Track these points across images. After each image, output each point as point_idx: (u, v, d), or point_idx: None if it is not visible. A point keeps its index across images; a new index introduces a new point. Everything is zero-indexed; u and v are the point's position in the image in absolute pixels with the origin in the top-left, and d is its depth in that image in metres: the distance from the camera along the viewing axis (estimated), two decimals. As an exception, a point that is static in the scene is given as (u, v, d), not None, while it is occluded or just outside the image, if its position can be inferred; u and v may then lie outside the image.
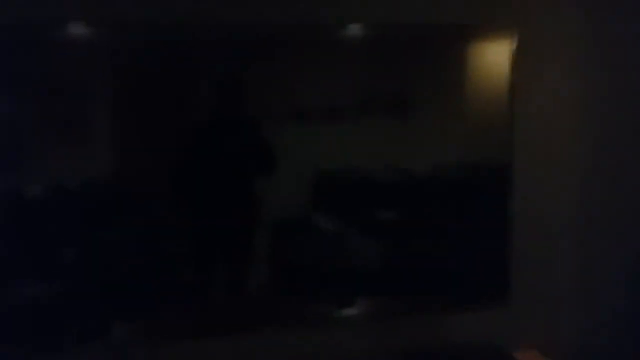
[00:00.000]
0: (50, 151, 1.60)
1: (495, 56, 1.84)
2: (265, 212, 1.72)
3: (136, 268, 1.67)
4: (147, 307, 1.70)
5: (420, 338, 1.93)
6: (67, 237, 1.63)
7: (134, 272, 1.67)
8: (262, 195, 1.72)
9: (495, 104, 1.85)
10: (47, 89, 1.57)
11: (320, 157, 1.75)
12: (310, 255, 1.79)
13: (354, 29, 1.74)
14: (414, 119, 1.79)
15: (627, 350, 2.05)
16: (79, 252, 1.64)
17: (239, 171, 1.72)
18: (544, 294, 2.01)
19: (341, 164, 1.77)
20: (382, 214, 1.83)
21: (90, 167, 1.63)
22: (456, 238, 1.88)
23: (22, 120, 1.57)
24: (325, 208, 1.80)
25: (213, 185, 1.71)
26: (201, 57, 1.66)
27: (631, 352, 2.04)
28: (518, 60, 1.84)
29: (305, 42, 1.71)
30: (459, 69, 1.82)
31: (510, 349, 1.90)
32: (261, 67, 1.67)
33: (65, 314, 1.63)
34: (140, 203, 1.68)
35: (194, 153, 1.68)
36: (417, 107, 1.79)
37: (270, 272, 1.78)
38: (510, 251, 1.90)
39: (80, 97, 1.61)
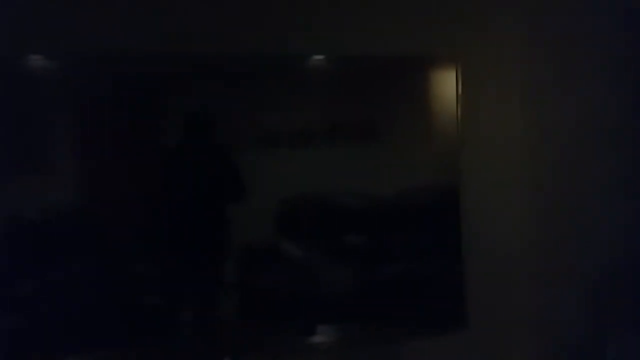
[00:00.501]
0: (9, 182, 1.62)
1: (442, 85, 1.91)
2: (233, 238, 1.73)
3: (99, 298, 1.65)
4: (112, 340, 1.67)
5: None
6: (26, 268, 1.62)
7: (98, 301, 1.65)
8: (231, 222, 1.73)
9: (446, 131, 1.91)
10: (7, 119, 1.59)
11: (287, 182, 1.77)
12: (277, 282, 1.79)
13: (318, 60, 1.81)
14: (377, 144, 1.85)
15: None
16: (39, 287, 1.62)
17: (208, 198, 1.73)
18: (501, 318, 2.00)
19: (308, 188, 1.80)
20: (349, 239, 1.85)
21: (51, 197, 1.62)
22: (416, 263, 1.89)
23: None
24: (292, 234, 1.81)
25: (181, 212, 1.71)
26: (168, 87, 1.69)
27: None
28: (463, 88, 1.91)
29: (274, 71, 1.77)
30: (415, 97, 1.89)
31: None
32: (230, 95, 1.71)
33: (22, 347, 1.61)
34: (104, 231, 1.67)
35: (161, 180, 1.70)
36: (380, 133, 1.84)
37: (237, 298, 1.77)
38: (464, 276, 1.90)
39: (42, 127, 1.62)
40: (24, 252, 1.61)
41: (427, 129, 1.90)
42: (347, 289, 1.83)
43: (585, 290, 2.08)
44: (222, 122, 1.72)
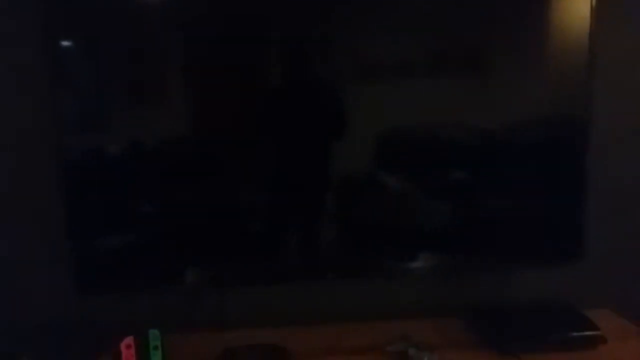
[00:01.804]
0: (128, 112, 1.68)
1: (574, 8, 1.74)
2: (333, 170, 1.75)
3: (211, 221, 1.77)
4: (221, 257, 1.80)
5: (489, 295, 1.93)
6: (145, 192, 1.74)
7: (209, 224, 1.77)
8: (332, 154, 1.74)
9: (575, 59, 1.76)
10: (124, 53, 1.65)
11: (389, 114, 1.73)
12: (377, 212, 1.80)
13: None
14: (488, 75, 1.74)
15: None
16: (156, 206, 1.75)
17: (311, 132, 1.74)
18: (620, 251, 1.95)
19: (410, 121, 1.76)
20: (454, 173, 1.81)
21: (166, 127, 1.70)
22: (529, 195, 1.83)
23: (101, 84, 1.66)
24: (393, 166, 1.80)
25: (285, 144, 1.76)
26: (268, 19, 1.67)
27: None
28: (599, 11, 1.74)
29: None
30: (535, 22, 1.74)
31: (583, 307, 1.86)
32: (329, 25, 1.67)
33: (143, 263, 1.75)
34: (214, 161, 1.75)
35: (265, 113, 1.72)
36: (491, 63, 1.74)
37: (337, 227, 1.81)
38: (585, 207, 1.83)
39: (155, 60, 1.68)
40: (143, 176, 1.72)
41: (549, 55, 1.76)
42: (451, 220, 1.82)
43: None
44: (322, 54, 1.69)
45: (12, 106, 1.76)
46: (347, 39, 1.68)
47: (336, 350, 1.75)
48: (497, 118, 1.77)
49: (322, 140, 1.74)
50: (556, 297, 1.92)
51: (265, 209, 1.80)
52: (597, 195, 1.84)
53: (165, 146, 1.71)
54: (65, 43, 1.62)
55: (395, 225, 1.82)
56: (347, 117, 1.71)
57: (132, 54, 1.66)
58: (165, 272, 1.78)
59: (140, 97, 1.69)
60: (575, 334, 1.71)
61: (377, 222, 1.82)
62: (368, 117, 1.72)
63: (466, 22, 1.70)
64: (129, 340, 1.59)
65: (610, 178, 1.90)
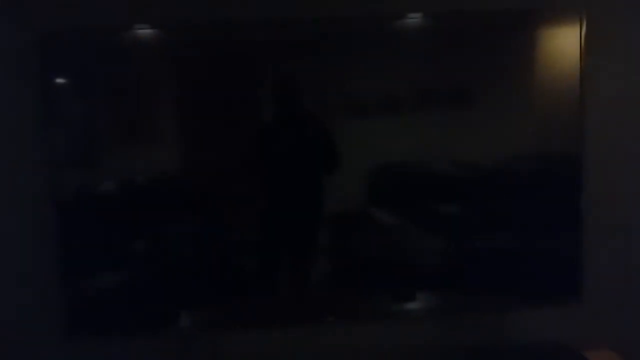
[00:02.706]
0: (121, 149, 1.68)
1: (562, 42, 1.76)
2: (326, 206, 1.74)
3: (203, 260, 1.74)
4: (213, 298, 1.77)
5: (487, 336, 1.90)
6: (138, 230, 1.72)
7: (201, 264, 1.74)
8: (324, 190, 1.74)
9: (564, 93, 1.78)
10: (117, 90, 1.66)
11: (379, 150, 1.74)
12: (371, 249, 1.79)
13: (413, 19, 1.71)
14: (476, 109, 1.75)
15: None
16: (148, 246, 1.72)
17: (303, 167, 1.74)
18: (616, 291, 1.92)
19: (401, 156, 1.76)
20: (445, 208, 1.80)
21: (159, 164, 1.70)
22: (525, 233, 1.82)
23: (94, 121, 1.67)
24: (385, 202, 1.79)
25: (278, 180, 1.75)
26: (260, 56, 1.69)
27: None
28: (587, 45, 1.76)
29: (363, 34, 1.70)
30: (524, 56, 1.75)
31: (580, 348, 1.83)
32: (320, 61, 1.69)
33: (136, 304, 1.73)
34: (207, 198, 1.74)
35: (258, 149, 1.72)
36: (480, 98, 1.75)
37: (331, 265, 1.79)
38: (582, 247, 1.82)
39: (147, 97, 1.69)
40: (133, 213, 1.71)
41: (535, 92, 1.77)
42: (446, 258, 1.80)
43: None
44: (313, 90, 1.70)
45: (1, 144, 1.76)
46: (339, 77, 1.70)
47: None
48: (491, 155, 1.77)
49: (313, 177, 1.74)
50: (555, 338, 1.88)
51: (258, 247, 1.78)
52: (593, 233, 1.83)
53: (157, 184, 1.71)
54: (58, 80, 1.64)
55: (392, 263, 1.80)
56: (338, 153, 1.71)
57: (124, 92, 1.67)
58: (158, 315, 1.75)
59: (132, 135, 1.70)
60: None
61: (373, 260, 1.80)
62: (361, 152, 1.72)
63: (454, 58, 1.73)
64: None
65: (606, 215, 1.89)
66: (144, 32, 1.65)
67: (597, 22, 1.78)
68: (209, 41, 1.68)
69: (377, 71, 1.72)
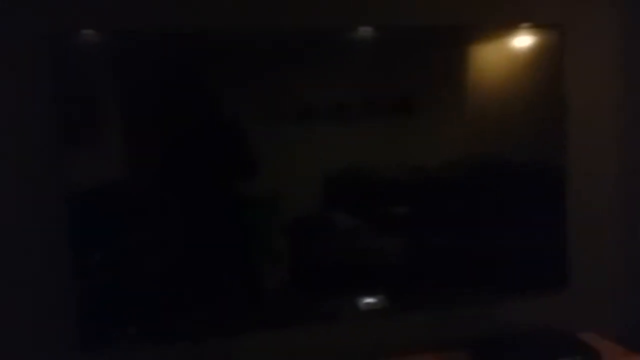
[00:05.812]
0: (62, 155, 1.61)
1: (493, 57, 1.87)
2: (277, 212, 1.74)
3: (148, 270, 1.67)
4: (160, 309, 1.70)
5: (480, 326, 1.99)
6: (81, 241, 1.62)
7: (146, 274, 1.67)
8: (274, 197, 1.73)
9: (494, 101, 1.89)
10: (61, 95, 1.59)
11: (331, 156, 1.77)
12: (328, 253, 1.81)
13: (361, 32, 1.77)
14: (419, 118, 1.82)
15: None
16: (90, 257, 1.63)
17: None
18: (601, 278, 2.09)
19: (352, 162, 1.79)
20: (397, 209, 1.85)
21: (100, 170, 1.63)
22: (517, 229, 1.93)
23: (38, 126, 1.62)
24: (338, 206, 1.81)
25: (223, 187, 1.71)
26: (206, 62, 1.68)
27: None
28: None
29: (311, 45, 1.74)
30: (459, 69, 1.85)
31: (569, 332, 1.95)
32: (268, 70, 1.69)
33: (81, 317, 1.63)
34: (150, 207, 1.68)
35: (198, 155, 1.68)
36: (423, 106, 1.82)
37: (287, 271, 1.80)
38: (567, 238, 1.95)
39: (89, 102, 1.62)
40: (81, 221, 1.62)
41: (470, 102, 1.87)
42: (400, 257, 1.85)
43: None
44: (259, 97, 1.70)
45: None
46: (286, 83, 1.71)
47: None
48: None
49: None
50: (545, 323, 2.00)
51: (205, 253, 1.71)
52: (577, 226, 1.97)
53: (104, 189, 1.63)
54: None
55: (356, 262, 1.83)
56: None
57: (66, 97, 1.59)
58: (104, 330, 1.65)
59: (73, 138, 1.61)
60: (578, 357, 1.79)
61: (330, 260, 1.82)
62: (310, 158, 1.74)
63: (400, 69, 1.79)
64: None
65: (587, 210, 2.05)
66: (89, 38, 1.59)
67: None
68: (152, 49, 1.64)
69: (328, 80, 1.75)
